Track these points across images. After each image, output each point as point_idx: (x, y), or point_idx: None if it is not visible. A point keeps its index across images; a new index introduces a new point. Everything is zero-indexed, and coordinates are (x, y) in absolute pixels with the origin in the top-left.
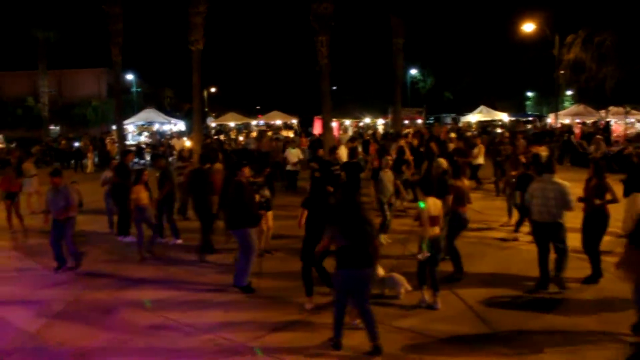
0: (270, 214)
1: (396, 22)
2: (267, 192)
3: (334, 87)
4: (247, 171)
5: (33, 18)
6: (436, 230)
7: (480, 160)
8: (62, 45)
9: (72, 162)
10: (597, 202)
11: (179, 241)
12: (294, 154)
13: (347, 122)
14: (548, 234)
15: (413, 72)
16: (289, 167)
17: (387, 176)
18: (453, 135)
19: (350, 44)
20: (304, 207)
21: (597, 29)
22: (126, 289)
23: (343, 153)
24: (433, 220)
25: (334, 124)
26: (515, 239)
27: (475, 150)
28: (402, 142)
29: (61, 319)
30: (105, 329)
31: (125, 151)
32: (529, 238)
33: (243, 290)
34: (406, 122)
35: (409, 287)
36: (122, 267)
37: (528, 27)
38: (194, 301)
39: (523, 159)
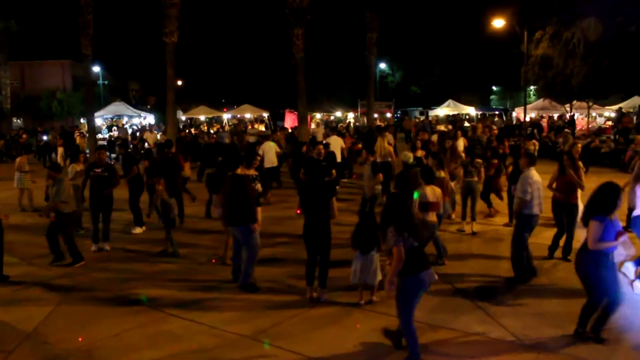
0: (259, 209)
1: (370, 16)
2: (259, 186)
3: None
4: (241, 167)
5: None
6: (433, 216)
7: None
8: (24, 36)
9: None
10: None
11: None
12: (272, 149)
13: (318, 115)
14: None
15: (382, 66)
16: (267, 165)
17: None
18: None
19: (319, 37)
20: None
21: (564, 26)
22: (121, 285)
23: (335, 143)
24: (431, 207)
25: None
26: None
27: (459, 143)
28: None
29: (57, 317)
30: (106, 325)
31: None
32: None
33: (248, 290)
34: (375, 115)
35: None
36: (112, 263)
37: (497, 22)
38: (193, 296)
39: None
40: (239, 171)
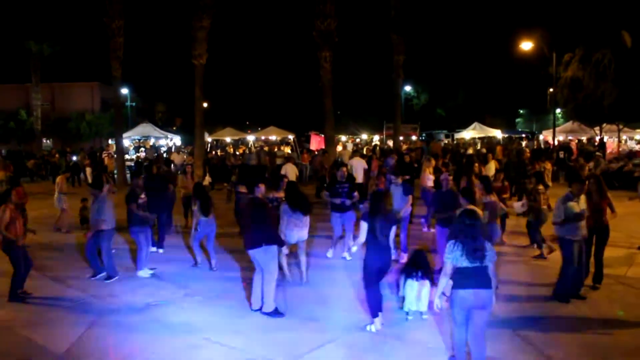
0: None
1: (397, 39)
2: None
3: None
4: (263, 188)
5: (26, 30)
6: None
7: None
8: (55, 58)
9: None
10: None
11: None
12: (291, 171)
13: (344, 138)
14: None
15: (407, 88)
16: None
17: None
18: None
19: (345, 60)
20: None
21: (594, 47)
22: (153, 307)
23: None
24: None
25: None
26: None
27: (491, 166)
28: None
29: (90, 338)
30: (140, 349)
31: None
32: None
33: (271, 315)
34: (401, 138)
35: None
36: (140, 284)
37: (526, 45)
38: (225, 319)
39: None
40: (260, 194)
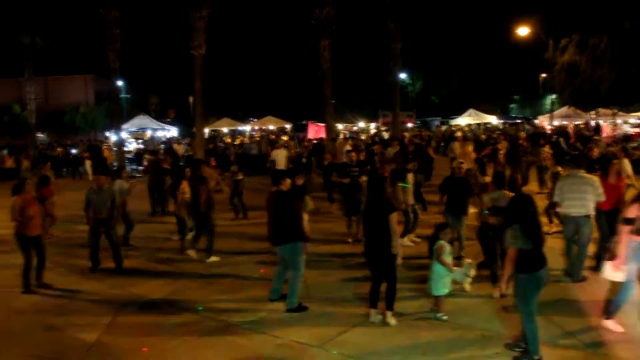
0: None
1: (394, 27)
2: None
3: None
4: (289, 182)
5: (18, 23)
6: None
7: None
8: (48, 51)
9: (69, 169)
10: None
11: None
12: (282, 155)
13: (340, 126)
14: None
15: (402, 76)
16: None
17: (409, 178)
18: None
19: (339, 48)
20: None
21: (591, 32)
22: (175, 295)
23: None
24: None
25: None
26: None
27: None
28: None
29: (117, 326)
30: (168, 334)
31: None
32: None
33: (297, 311)
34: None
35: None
36: (157, 272)
37: (522, 30)
38: (248, 307)
39: None
40: (284, 187)
